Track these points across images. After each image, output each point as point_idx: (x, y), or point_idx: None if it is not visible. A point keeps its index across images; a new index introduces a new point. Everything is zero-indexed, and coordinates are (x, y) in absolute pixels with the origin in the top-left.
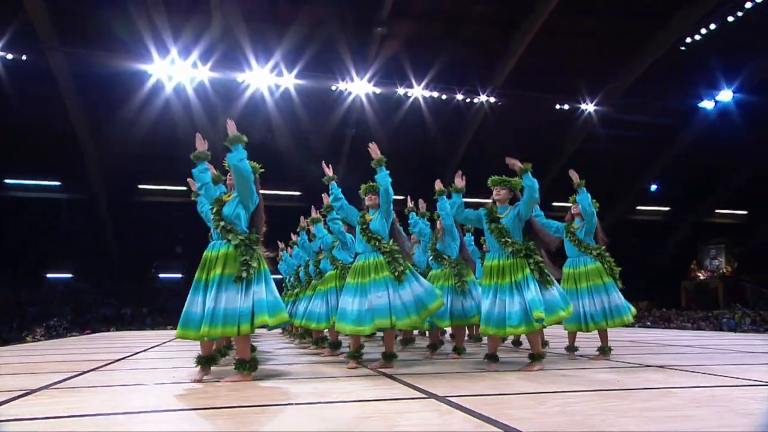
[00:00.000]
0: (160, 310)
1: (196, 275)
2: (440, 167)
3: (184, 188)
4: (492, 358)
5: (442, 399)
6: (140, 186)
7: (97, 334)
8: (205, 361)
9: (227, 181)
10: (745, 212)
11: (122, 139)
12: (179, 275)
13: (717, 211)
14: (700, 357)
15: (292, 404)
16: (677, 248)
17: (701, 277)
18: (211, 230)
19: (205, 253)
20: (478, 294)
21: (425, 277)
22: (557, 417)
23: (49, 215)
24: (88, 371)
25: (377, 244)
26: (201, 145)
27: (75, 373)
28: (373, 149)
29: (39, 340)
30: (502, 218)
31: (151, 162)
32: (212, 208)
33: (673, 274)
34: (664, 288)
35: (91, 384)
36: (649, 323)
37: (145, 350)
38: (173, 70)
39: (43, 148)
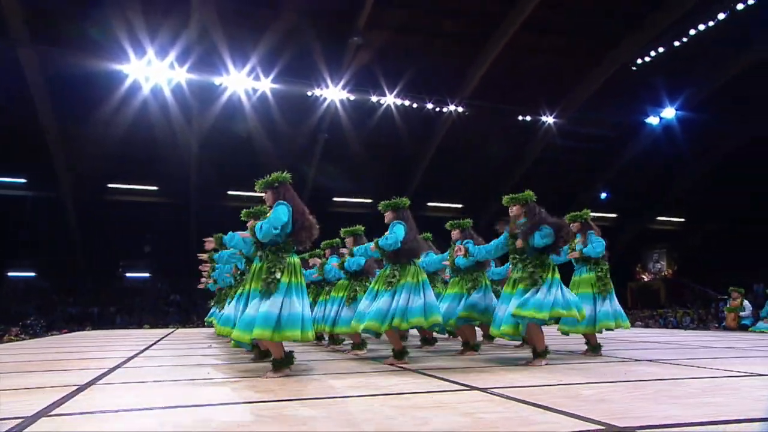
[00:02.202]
0: (129, 310)
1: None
2: (410, 171)
3: (155, 188)
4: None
5: (486, 390)
6: (110, 185)
7: (76, 334)
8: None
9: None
10: (682, 219)
11: (96, 138)
12: (147, 275)
13: (658, 218)
14: (675, 352)
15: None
16: (623, 252)
17: (645, 279)
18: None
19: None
20: (490, 297)
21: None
22: (601, 405)
23: (12, 212)
24: (115, 368)
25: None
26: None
27: (104, 370)
28: None
29: (23, 339)
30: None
31: (127, 162)
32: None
33: (620, 276)
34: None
35: (133, 379)
36: None
37: (147, 348)
38: (150, 71)
39: (10, 145)
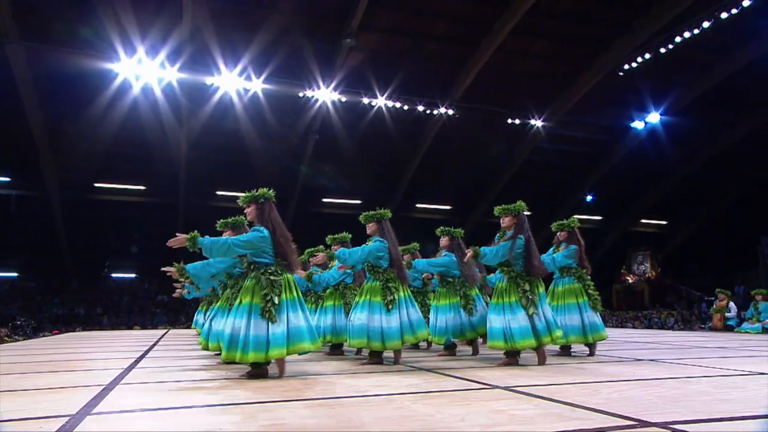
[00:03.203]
0: (116, 310)
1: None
2: (400, 172)
3: (143, 188)
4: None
5: (508, 389)
6: (97, 184)
7: (68, 335)
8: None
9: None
10: (665, 222)
11: (85, 137)
12: (133, 275)
13: (642, 221)
14: (672, 352)
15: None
16: (608, 254)
17: (630, 281)
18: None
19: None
20: (482, 308)
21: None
22: (624, 402)
23: None
24: (129, 368)
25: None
26: (180, 241)
27: (120, 370)
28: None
29: (16, 340)
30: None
31: (115, 161)
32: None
33: (605, 277)
34: (598, 290)
35: (153, 380)
36: None
37: (150, 349)
38: (141, 70)
39: None
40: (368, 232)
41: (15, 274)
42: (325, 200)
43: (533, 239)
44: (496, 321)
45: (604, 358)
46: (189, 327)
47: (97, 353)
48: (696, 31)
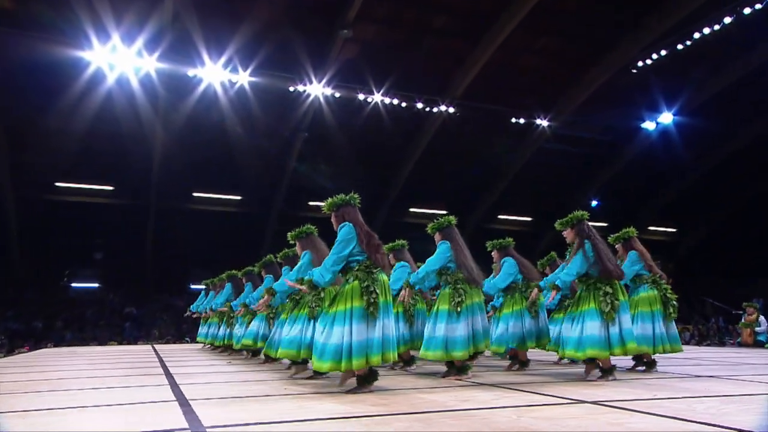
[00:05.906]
0: (79, 324)
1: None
2: (396, 172)
3: (110, 188)
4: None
5: (599, 404)
6: (58, 184)
7: (47, 351)
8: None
9: None
10: (674, 229)
11: (47, 132)
12: (95, 284)
13: (651, 228)
14: (722, 368)
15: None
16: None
17: None
18: None
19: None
20: (544, 317)
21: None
22: (729, 417)
23: None
24: (173, 385)
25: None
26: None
27: (166, 386)
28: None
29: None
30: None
31: (83, 159)
32: None
33: None
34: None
35: (215, 395)
36: None
37: (166, 365)
38: (115, 59)
39: None
40: (436, 240)
41: None
42: (311, 203)
43: (603, 243)
44: (567, 329)
45: (662, 374)
46: (168, 342)
47: (113, 370)
48: (717, 27)
